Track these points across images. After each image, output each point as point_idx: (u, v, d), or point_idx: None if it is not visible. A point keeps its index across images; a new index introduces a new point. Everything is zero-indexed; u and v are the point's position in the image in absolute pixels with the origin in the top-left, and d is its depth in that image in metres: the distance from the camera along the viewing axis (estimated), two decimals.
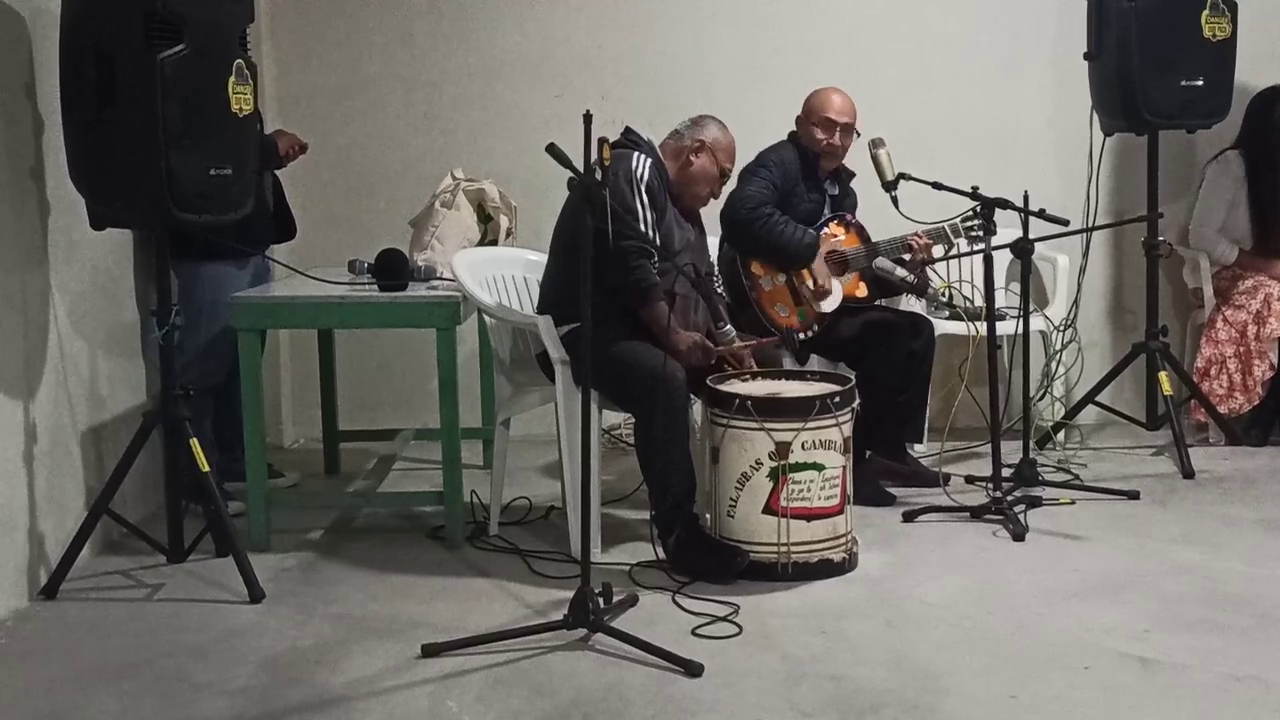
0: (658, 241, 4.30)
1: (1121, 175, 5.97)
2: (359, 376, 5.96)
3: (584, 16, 5.99)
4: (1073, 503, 4.80)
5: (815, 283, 4.92)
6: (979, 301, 4.83)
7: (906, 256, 4.97)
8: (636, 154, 4.38)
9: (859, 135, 4.99)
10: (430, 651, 3.52)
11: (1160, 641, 3.56)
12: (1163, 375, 5.43)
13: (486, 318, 4.72)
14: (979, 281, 4.78)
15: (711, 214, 4.85)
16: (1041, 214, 4.70)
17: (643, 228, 4.27)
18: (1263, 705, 3.19)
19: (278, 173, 5.10)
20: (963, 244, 4.95)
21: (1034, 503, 4.73)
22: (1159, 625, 3.68)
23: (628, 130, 4.54)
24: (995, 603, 3.90)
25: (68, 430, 4.26)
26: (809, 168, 4.98)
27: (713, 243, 4.98)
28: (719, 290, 4.69)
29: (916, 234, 4.95)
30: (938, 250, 4.99)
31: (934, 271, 5.15)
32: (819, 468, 4.07)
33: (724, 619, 3.75)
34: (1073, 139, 5.70)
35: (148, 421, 4.17)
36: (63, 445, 4.22)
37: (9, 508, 3.90)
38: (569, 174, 3.56)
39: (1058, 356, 5.58)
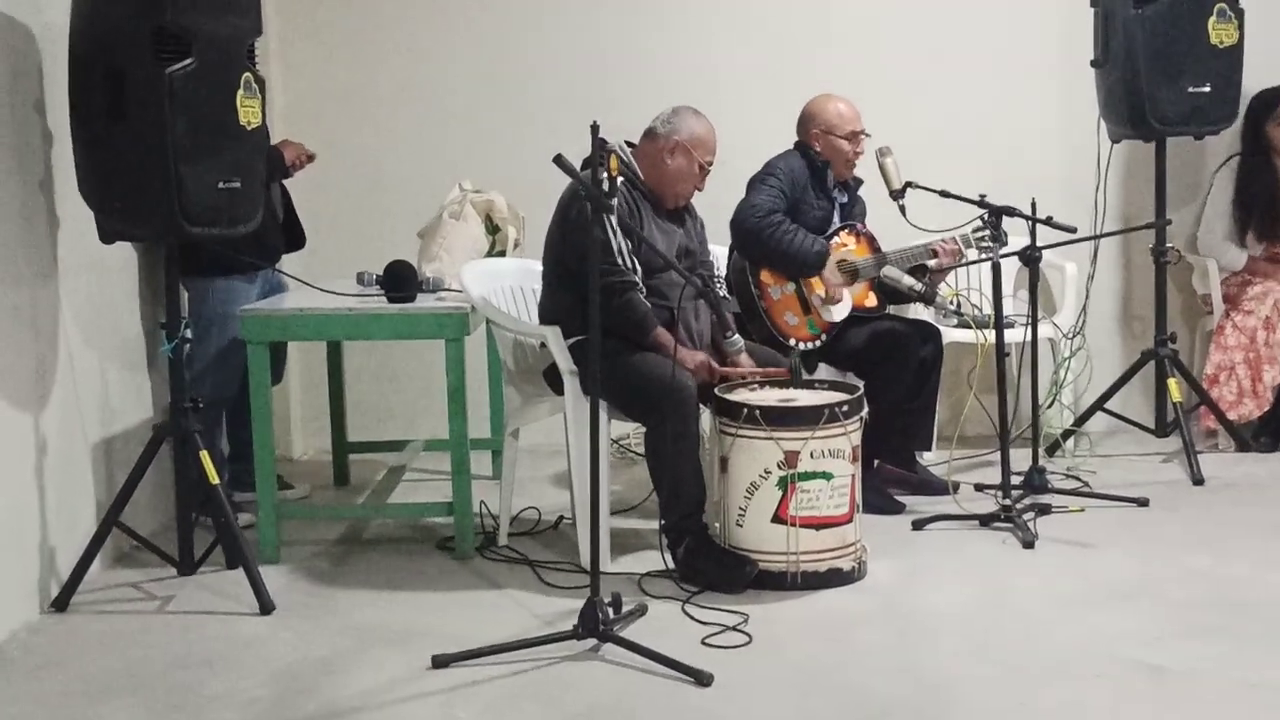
0: (638, 268, 4.26)
1: (1129, 182, 5.96)
2: (368, 388, 5.96)
3: (592, 25, 5.99)
4: (1082, 510, 4.78)
5: (825, 291, 4.92)
6: (987, 309, 4.83)
7: (931, 263, 4.96)
8: None
9: (869, 136, 5.00)
10: (440, 662, 3.52)
11: (1171, 648, 3.55)
12: (1172, 382, 5.42)
13: (495, 329, 4.73)
14: (987, 289, 4.78)
15: (720, 222, 4.85)
16: (1049, 221, 4.69)
17: (620, 260, 4.22)
18: (1276, 712, 3.19)
19: (285, 182, 5.11)
20: (972, 253, 4.94)
21: (1043, 510, 4.72)
22: (1170, 632, 3.67)
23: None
24: (1005, 611, 3.89)
25: (78, 443, 4.27)
26: (818, 176, 4.97)
27: (721, 251, 4.99)
28: (720, 290, 4.65)
29: (944, 240, 4.94)
30: (968, 254, 4.98)
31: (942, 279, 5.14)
32: (828, 476, 4.07)
33: (733, 628, 3.75)
34: (1080, 146, 5.68)
35: (158, 434, 4.18)
36: (73, 458, 4.23)
37: (20, 521, 3.91)
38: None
39: (1066, 364, 5.56)
